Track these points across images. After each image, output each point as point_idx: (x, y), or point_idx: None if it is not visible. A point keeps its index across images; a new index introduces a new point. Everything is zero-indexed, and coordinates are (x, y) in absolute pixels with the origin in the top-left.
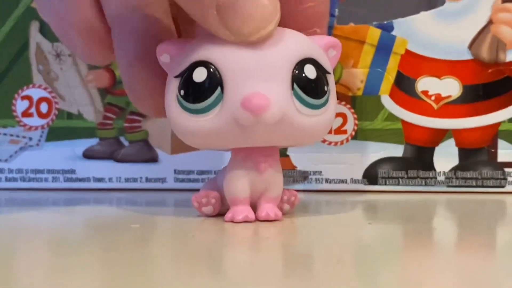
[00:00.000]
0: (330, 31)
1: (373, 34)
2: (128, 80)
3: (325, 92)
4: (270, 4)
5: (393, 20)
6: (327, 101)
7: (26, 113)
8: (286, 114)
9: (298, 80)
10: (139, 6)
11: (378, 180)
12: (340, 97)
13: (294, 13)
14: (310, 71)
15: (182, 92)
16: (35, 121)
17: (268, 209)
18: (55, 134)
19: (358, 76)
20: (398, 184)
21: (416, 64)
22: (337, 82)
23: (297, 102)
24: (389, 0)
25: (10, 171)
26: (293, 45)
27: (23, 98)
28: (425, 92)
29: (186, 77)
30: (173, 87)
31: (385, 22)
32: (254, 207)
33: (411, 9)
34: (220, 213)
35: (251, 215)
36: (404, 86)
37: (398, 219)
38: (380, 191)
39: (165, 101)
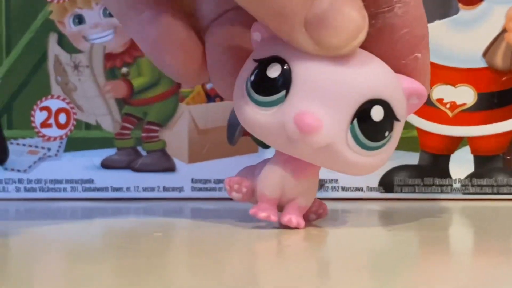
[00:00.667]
0: None
1: None
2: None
3: (384, 137)
4: (358, 15)
5: None
6: (383, 145)
7: (44, 124)
8: (334, 143)
9: (360, 118)
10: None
11: (394, 188)
12: None
13: (390, 43)
14: (376, 113)
15: (252, 77)
16: (53, 131)
17: (291, 215)
18: (73, 144)
19: None
20: (414, 192)
21: (431, 73)
22: None
23: (350, 137)
24: None
25: (29, 181)
26: (372, 80)
27: (41, 109)
28: (440, 100)
29: (261, 66)
30: (248, 68)
31: None
32: (280, 210)
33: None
34: (249, 203)
35: (274, 217)
36: None
37: (414, 227)
38: (396, 198)
39: (237, 77)
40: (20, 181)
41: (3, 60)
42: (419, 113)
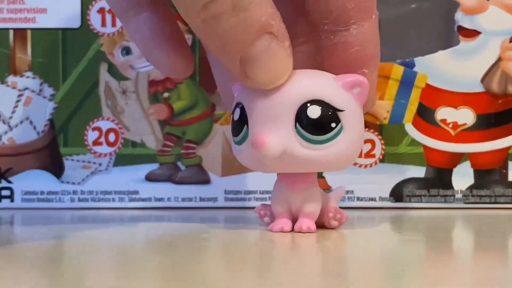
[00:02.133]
0: None
1: (397, 70)
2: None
3: (332, 129)
4: (287, 57)
5: (415, 58)
6: (335, 135)
7: (96, 142)
8: (288, 148)
9: (300, 120)
10: None
11: (403, 198)
12: (369, 125)
13: (342, 57)
14: (313, 111)
15: (231, 125)
16: (104, 149)
17: (301, 222)
18: (121, 160)
19: (385, 107)
20: (421, 202)
21: (435, 96)
22: (366, 113)
23: (300, 138)
24: (411, 40)
25: (82, 192)
26: (299, 88)
27: (93, 129)
28: (443, 121)
29: (232, 113)
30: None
31: (407, 60)
32: (295, 220)
33: (430, 48)
34: None
35: (287, 227)
36: (425, 115)
37: (422, 231)
38: (405, 207)
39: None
40: (75, 192)
41: (60, 86)
42: (425, 132)
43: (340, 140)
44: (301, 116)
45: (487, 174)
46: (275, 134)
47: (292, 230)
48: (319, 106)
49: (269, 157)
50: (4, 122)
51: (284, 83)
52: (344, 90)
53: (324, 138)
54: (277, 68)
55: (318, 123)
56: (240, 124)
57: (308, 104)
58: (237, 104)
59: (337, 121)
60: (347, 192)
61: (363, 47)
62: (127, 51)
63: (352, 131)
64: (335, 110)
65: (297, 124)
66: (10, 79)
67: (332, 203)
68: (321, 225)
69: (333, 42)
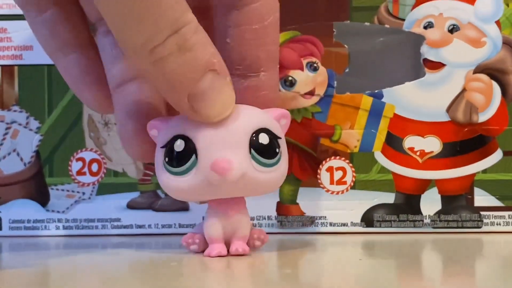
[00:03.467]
0: (329, 100)
1: (366, 101)
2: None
3: (277, 153)
4: (230, 91)
5: (383, 89)
6: (278, 160)
7: (80, 172)
8: (246, 172)
9: (254, 146)
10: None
11: (374, 223)
12: (340, 154)
13: (253, 98)
14: (263, 138)
15: (166, 159)
16: (87, 178)
17: (237, 245)
18: (104, 189)
19: (355, 136)
20: (391, 227)
21: (403, 126)
22: (337, 141)
23: (254, 162)
24: (379, 72)
25: (67, 220)
26: (250, 119)
27: (77, 159)
28: (411, 149)
29: (169, 147)
30: (160, 155)
31: (376, 91)
32: (228, 244)
33: (397, 80)
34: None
35: (224, 251)
36: (393, 144)
37: (392, 255)
38: (376, 232)
39: (155, 166)
40: (59, 220)
41: (45, 119)
42: (394, 159)
43: (281, 164)
44: (254, 143)
45: (454, 200)
46: (235, 159)
47: (228, 253)
48: (267, 133)
49: (231, 180)
50: None
51: (233, 115)
52: (276, 121)
53: (273, 161)
54: (223, 102)
55: (268, 148)
56: (186, 155)
57: (259, 131)
58: (177, 137)
59: (279, 146)
60: (320, 217)
61: (270, 91)
62: None
63: (285, 156)
64: (276, 138)
65: (252, 150)
66: None
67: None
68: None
69: (244, 85)
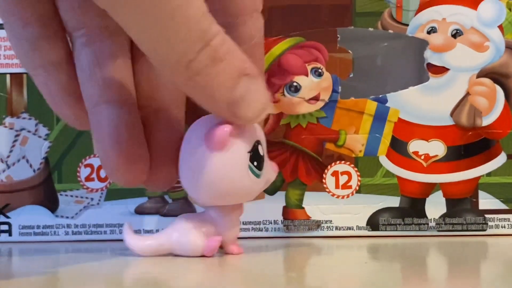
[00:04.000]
0: (334, 105)
1: (371, 106)
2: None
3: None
4: (265, 99)
5: (387, 94)
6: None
7: (88, 178)
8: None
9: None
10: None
11: (379, 227)
12: (345, 158)
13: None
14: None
15: (255, 163)
16: (96, 184)
17: (234, 247)
18: (112, 194)
19: (360, 140)
20: (396, 230)
21: (407, 130)
22: (342, 146)
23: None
24: (383, 77)
25: (76, 226)
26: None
27: (86, 166)
28: (415, 153)
29: (255, 151)
30: (241, 160)
31: (380, 96)
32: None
33: (401, 85)
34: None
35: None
36: (398, 148)
37: (397, 258)
38: (381, 236)
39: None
40: (69, 226)
41: (54, 125)
42: (399, 163)
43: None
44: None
45: (458, 203)
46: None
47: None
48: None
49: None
50: (2, 161)
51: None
52: None
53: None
54: (261, 102)
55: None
56: (263, 159)
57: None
58: (257, 142)
59: None
60: (326, 221)
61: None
62: None
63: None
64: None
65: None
66: (8, 120)
67: None
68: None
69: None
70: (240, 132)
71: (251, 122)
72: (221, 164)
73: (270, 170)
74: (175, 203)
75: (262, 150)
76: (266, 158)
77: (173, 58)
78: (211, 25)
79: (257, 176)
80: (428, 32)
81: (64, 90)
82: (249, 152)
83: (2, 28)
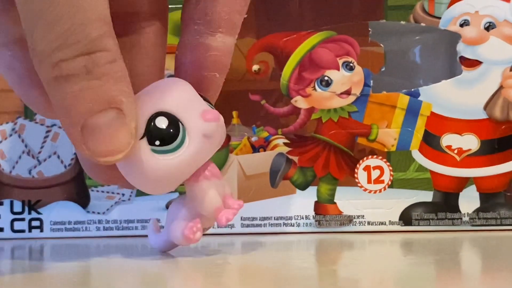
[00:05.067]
0: (366, 99)
1: (403, 99)
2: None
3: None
4: (130, 137)
5: (419, 88)
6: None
7: None
8: None
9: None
10: None
11: (412, 222)
12: (377, 152)
13: (200, 58)
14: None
15: (157, 142)
16: None
17: (231, 202)
18: None
19: (392, 135)
20: (429, 225)
21: (440, 124)
22: (374, 140)
23: None
24: (415, 71)
25: (107, 221)
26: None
27: None
28: (448, 147)
29: (152, 128)
30: (142, 148)
31: (412, 89)
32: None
33: (434, 78)
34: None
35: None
36: (430, 142)
37: (430, 253)
38: (414, 231)
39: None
40: (100, 221)
41: None
42: (432, 158)
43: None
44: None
45: (492, 197)
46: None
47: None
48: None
49: (223, 126)
50: (33, 157)
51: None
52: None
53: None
54: (115, 145)
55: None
56: (175, 127)
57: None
58: (154, 116)
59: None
60: (358, 216)
61: (222, 55)
62: None
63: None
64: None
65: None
66: (39, 116)
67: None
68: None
69: (198, 41)
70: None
71: (96, 159)
72: (131, 172)
73: (197, 128)
74: None
75: (166, 120)
76: (188, 119)
77: (46, 47)
78: (106, 37)
79: (171, 150)
80: (461, 25)
81: (32, 69)
82: (142, 137)
83: None
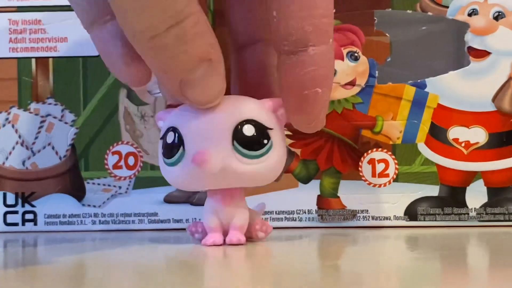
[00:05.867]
0: (371, 90)
1: (409, 91)
2: None
3: (264, 145)
4: (222, 82)
5: (426, 79)
6: (267, 151)
7: (116, 166)
8: (227, 164)
9: (237, 138)
10: None
11: (417, 217)
12: (382, 145)
13: (298, 75)
14: (248, 130)
15: (163, 150)
16: (123, 172)
17: (232, 235)
18: (140, 183)
19: (397, 127)
20: (435, 220)
21: (447, 116)
22: (379, 133)
23: (237, 154)
24: (422, 62)
25: (103, 215)
26: (235, 110)
27: (113, 153)
28: (456, 140)
29: (163, 139)
30: (159, 147)
31: (418, 81)
32: (226, 233)
33: (441, 69)
34: None
35: (219, 240)
36: (437, 135)
37: (436, 249)
38: (420, 226)
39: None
40: (96, 215)
41: (81, 112)
42: (438, 151)
43: (271, 155)
44: (237, 135)
45: (500, 192)
46: (214, 151)
47: (224, 243)
48: (252, 125)
49: (210, 172)
50: (27, 148)
51: (219, 106)
52: (271, 112)
53: (259, 153)
54: (212, 92)
55: (253, 140)
56: (175, 146)
57: (244, 123)
58: (169, 129)
59: (268, 138)
60: (362, 211)
61: (319, 67)
62: None
63: (279, 147)
64: (265, 129)
65: (234, 142)
66: (33, 106)
67: (257, 217)
68: (249, 236)
69: (292, 61)
70: (167, 118)
71: (201, 106)
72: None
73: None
74: (205, 192)
75: (174, 136)
76: (190, 143)
77: (139, 27)
78: (189, 4)
79: (169, 164)
80: (469, 15)
81: (119, 45)
82: (161, 138)
83: (28, 11)
